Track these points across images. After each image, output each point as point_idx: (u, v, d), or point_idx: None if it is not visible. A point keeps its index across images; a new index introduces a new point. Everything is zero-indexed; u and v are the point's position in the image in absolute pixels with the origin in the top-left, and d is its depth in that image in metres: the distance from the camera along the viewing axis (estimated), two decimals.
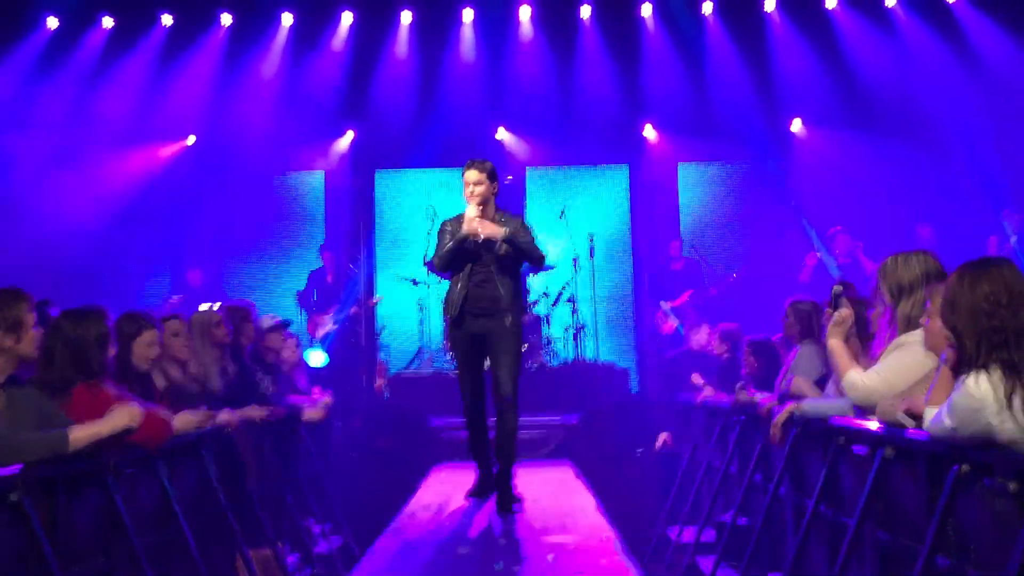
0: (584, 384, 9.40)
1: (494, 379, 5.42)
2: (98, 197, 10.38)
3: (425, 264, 5.45)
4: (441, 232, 5.56)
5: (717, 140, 11.10)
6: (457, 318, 5.47)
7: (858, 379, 3.65)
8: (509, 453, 5.43)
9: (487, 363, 5.54)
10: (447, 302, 5.58)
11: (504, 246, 5.41)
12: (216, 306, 5.57)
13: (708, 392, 6.47)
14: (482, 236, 5.34)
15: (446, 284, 5.70)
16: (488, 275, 5.42)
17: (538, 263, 5.61)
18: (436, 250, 5.60)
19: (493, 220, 5.48)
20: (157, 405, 4.17)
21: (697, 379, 6.61)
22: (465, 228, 5.36)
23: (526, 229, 5.56)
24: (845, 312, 3.88)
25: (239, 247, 11.33)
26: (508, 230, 5.39)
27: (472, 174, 5.43)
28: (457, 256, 5.44)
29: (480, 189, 5.39)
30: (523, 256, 5.48)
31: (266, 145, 11.00)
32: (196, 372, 5.06)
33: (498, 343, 5.40)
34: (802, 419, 4.22)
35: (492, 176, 5.48)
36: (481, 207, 5.38)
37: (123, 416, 3.34)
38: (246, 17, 10.50)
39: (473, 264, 5.44)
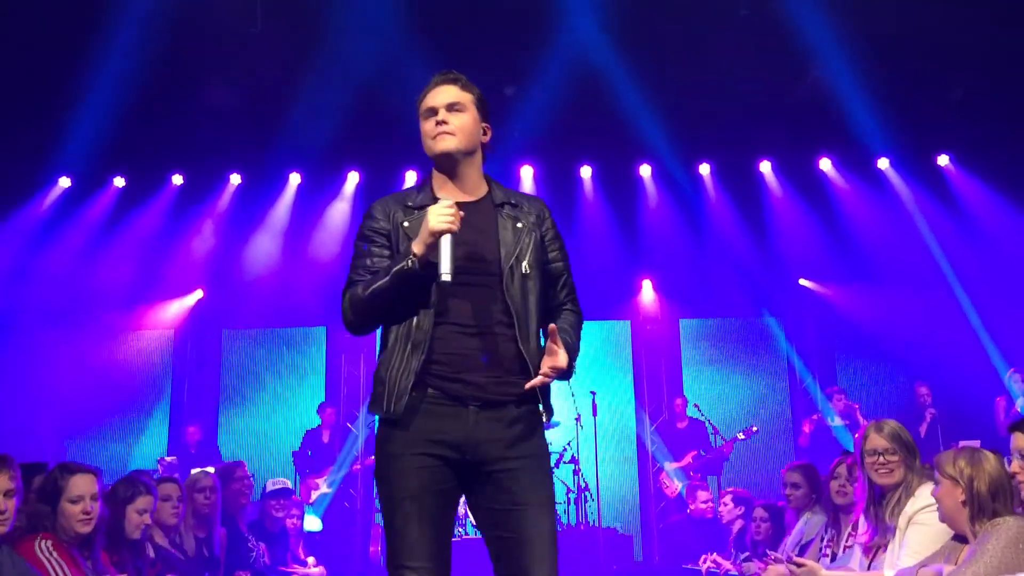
0: (585, 551, 9.09)
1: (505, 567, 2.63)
2: (97, 355, 10.40)
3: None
4: (365, 234, 2.84)
5: (717, 296, 11.20)
6: (405, 409, 2.64)
7: None
8: None
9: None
10: (379, 381, 2.72)
11: (527, 266, 2.76)
12: (211, 470, 5.39)
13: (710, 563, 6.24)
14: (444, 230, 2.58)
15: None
16: (488, 314, 2.70)
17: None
18: (355, 271, 2.83)
19: (484, 202, 2.86)
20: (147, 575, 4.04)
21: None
22: (432, 224, 2.59)
23: (565, 262, 2.95)
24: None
25: (237, 403, 11.25)
26: (528, 228, 2.82)
27: (444, 91, 2.82)
28: (402, 294, 2.67)
29: (461, 120, 2.79)
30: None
31: (270, 301, 11.07)
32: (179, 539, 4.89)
33: (512, 477, 2.64)
34: None
35: (481, 103, 2.86)
36: (456, 230, 2.61)
37: None
38: (255, 177, 10.74)
39: (445, 291, 2.67)
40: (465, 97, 2.81)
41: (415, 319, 2.67)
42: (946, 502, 3.34)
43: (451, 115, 2.77)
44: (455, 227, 2.59)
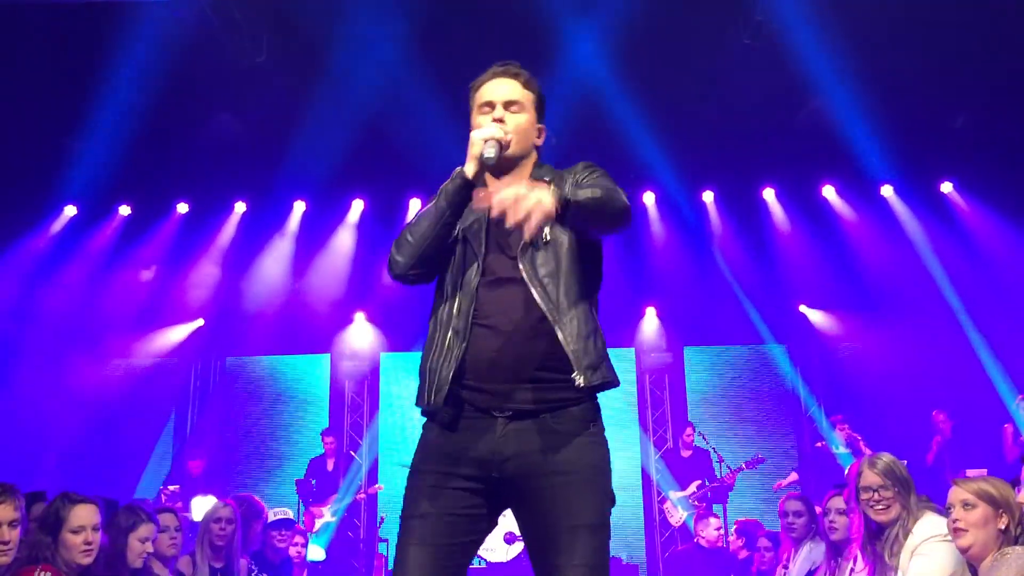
0: None
1: None
2: (101, 383, 10.39)
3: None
4: None
5: (721, 324, 11.17)
6: (450, 416, 2.45)
7: None
8: None
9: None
10: (420, 374, 2.52)
11: (547, 233, 2.49)
12: (213, 499, 5.35)
13: None
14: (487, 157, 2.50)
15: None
16: (518, 309, 2.43)
17: (617, 219, 2.44)
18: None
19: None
20: None
21: None
22: (476, 137, 2.51)
23: (588, 170, 2.68)
24: None
25: (241, 430, 11.22)
26: (560, 191, 2.27)
27: (504, 85, 2.65)
28: (448, 226, 2.51)
29: (517, 121, 2.62)
30: (594, 217, 2.37)
31: (274, 328, 11.07)
32: (185, 570, 4.85)
33: (549, 497, 2.38)
34: None
35: (541, 102, 2.71)
36: (505, 145, 2.54)
37: None
38: (260, 205, 10.77)
39: (481, 280, 2.48)
40: (526, 96, 2.64)
41: (454, 305, 2.45)
42: (987, 528, 3.22)
43: (508, 114, 2.59)
44: (501, 135, 2.51)
